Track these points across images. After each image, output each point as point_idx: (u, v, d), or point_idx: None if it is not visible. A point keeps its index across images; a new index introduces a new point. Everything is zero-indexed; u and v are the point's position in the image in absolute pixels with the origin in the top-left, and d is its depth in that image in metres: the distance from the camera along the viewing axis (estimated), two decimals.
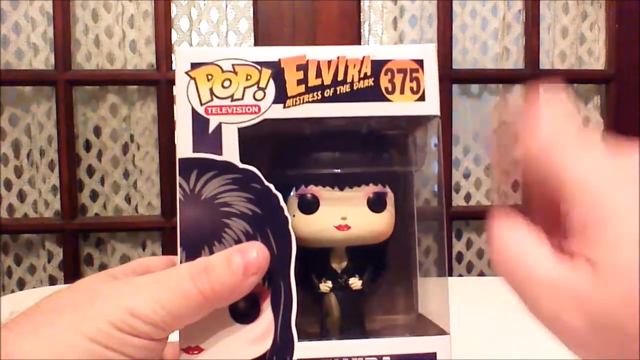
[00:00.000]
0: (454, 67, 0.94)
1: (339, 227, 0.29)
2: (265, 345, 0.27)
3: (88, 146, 0.93)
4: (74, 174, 0.91)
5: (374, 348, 0.28)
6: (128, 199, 0.94)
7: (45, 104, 0.92)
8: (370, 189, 0.30)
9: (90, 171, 0.93)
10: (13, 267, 0.93)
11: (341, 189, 0.30)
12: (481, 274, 1.02)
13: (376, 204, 0.30)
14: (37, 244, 0.93)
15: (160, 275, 0.27)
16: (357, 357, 0.28)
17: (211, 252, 0.27)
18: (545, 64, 0.97)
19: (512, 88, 0.98)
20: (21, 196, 0.93)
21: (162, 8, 0.90)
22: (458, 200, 0.98)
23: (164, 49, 0.90)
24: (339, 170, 0.30)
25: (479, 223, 0.99)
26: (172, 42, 0.92)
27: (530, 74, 0.95)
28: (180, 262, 0.27)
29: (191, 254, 0.27)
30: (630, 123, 0.96)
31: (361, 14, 0.94)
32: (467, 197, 0.99)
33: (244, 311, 0.28)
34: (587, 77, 0.99)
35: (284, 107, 0.28)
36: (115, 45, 0.92)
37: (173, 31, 0.92)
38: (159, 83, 0.90)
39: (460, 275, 1.03)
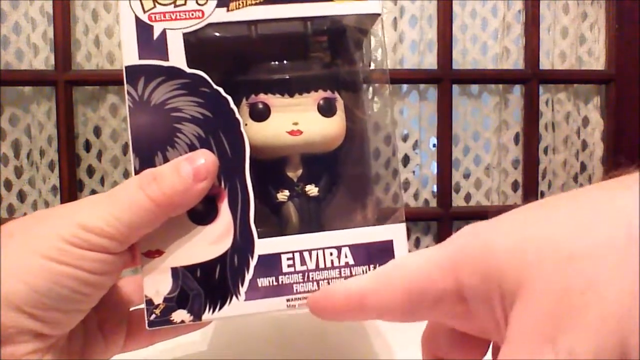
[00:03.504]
0: (454, 67, 0.94)
1: (291, 133, 0.30)
2: (225, 244, 0.28)
3: (88, 146, 0.93)
4: (74, 174, 0.91)
5: (332, 240, 0.29)
6: None
7: (45, 104, 0.92)
8: (319, 95, 0.31)
9: (90, 171, 0.93)
10: None
11: (291, 96, 0.30)
12: None
13: (326, 109, 0.31)
14: None
15: (109, 191, 0.27)
16: (316, 249, 0.28)
17: (165, 158, 0.27)
18: (545, 64, 0.97)
19: (512, 88, 0.98)
20: (21, 196, 0.93)
21: None
22: (458, 201, 0.98)
23: None
24: (287, 77, 0.30)
25: None
26: None
27: (531, 74, 0.95)
28: (134, 169, 0.27)
29: (145, 161, 0.28)
30: (630, 123, 0.96)
31: None
32: (467, 197, 0.99)
33: (202, 213, 0.28)
34: (587, 78, 0.98)
35: (227, 10, 0.28)
36: (115, 45, 0.92)
37: None
38: None
39: None
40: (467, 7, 0.96)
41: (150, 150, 0.27)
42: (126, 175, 0.94)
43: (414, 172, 0.98)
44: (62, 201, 0.90)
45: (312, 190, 0.31)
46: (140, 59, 0.28)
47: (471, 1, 0.96)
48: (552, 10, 0.97)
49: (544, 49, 0.97)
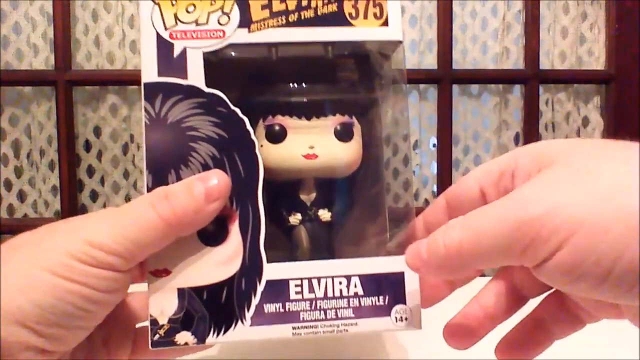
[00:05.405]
0: (454, 67, 0.94)
1: (306, 156, 0.29)
2: (234, 267, 0.27)
3: (88, 146, 0.93)
4: (74, 174, 0.91)
5: (342, 268, 0.28)
6: (128, 199, 0.94)
7: (45, 104, 0.92)
8: (337, 119, 0.30)
9: (90, 171, 0.93)
10: None
11: (308, 119, 0.30)
12: (481, 274, 1.02)
13: (343, 134, 0.30)
14: None
15: (120, 207, 0.26)
16: (326, 277, 0.28)
17: (178, 176, 0.27)
18: (545, 64, 0.97)
19: (512, 88, 0.98)
20: (21, 196, 0.93)
21: None
22: None
23: None
24: (305, 99, 0.30)
25: None
26: None
27: (530, 74, 0.95)
28: (147, 186, 0.27)
29: (158, 178, 0.27)
30: (630, 123, 0.96)
31: None
32: None
33: (212, 234, 0.27)
34: (587, 77, 0.98)
35: (249, 31, 0.28)
36: (115, 45, 0.92)
37: None
38: None
39: None
40: (467, 7, 0.96)
41: (163, 168, 0.27)
42: (126, 175, 0.94)
43: (414, 172, 0.98)
44: (62, 201, 0.90)
45: (324, 215, 0.30)
46: (159, 76, 0.27)
47: (471, 1, 0.96)
48: (552, 10, 0.97)
49: (544, 49, 0.97)
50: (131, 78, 0.92)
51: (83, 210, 0.94)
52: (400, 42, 0.29)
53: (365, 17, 0.29)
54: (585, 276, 0.21)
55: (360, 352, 0.40)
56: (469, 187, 0.27)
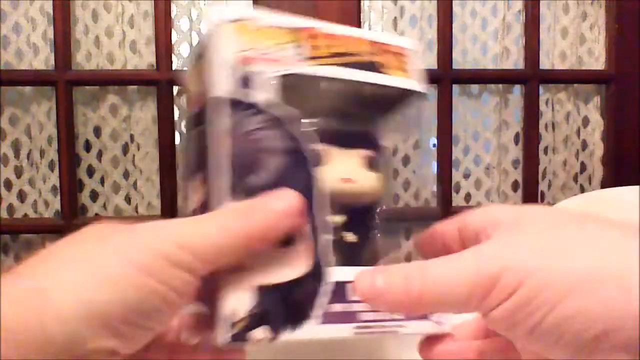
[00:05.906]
0: (454, 67, 0.94)
1: (345, 180, 0.33)
2: (304, 267, 0.29)
3: (88, 146, 0.93)
4: (74, 174, 0.91)
5: None
6: (128, 199, 0.94)
7: (45, 104, 0.92)
8: (366, 151, 0.35)
9: (90, 171, 0.93)
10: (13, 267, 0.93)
11: (343, 148, 0.34)
12: None
13: (372, 165, 0.35)
14: (37, 244, 0.93)
15: (203, 215, 0.28)
16: None
17: (250, 187, 0.29)
18: (545, 64, 0.97)
19: (512, 88, 0.98)
20: (21, 196, 0.93)
21: (162, 8, 0.90)
22: (458, 200, 0.98)
23: (164, 49, 0.90)
24: (341, 130, 0.34)
25: None
26: (172, 42, 0.92)
27: (531, 74, 0.95)
28: (224, 192, 0.29)
29: (233, 188, 0.29)
30: (630, 123, 0.96)
31: (361, 14, 0.94)
32: (467, 197, 0.99)
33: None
34: (587, 77, 0.99)
35: (309, 65, 0.32)
36: (115, 45, 0.92)
37: (173, 31, 0.92)
38: (159, 83, 0.90)
39: None
40: (467, 7, 0.96)
41: (235, 177, 0.29)
42: (126, 175, 0.94)
43: (414, 171, 0.98)
44: (62, 201, 0.90)
45: (351, 237, 0.33)
46: (232, 94, 0.30)
47: (471, 1, 0.96)
48: (552, 10, 0.97)
49: (544, 49, 0.97)
50: (131, 78, 0.92)
51: (83, 210, 0.94)
52: (424, 93, 0.35)
53: (396, 68, 0.34)
54: (518, 326, 0.24)
55: (358, 352, 0.40)
56: (474, 222, 0.30)
